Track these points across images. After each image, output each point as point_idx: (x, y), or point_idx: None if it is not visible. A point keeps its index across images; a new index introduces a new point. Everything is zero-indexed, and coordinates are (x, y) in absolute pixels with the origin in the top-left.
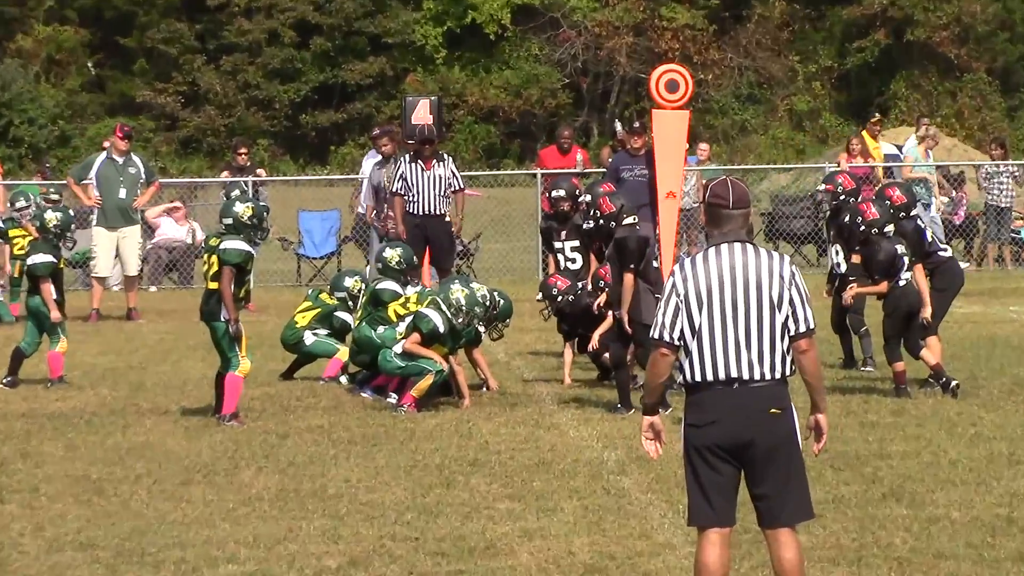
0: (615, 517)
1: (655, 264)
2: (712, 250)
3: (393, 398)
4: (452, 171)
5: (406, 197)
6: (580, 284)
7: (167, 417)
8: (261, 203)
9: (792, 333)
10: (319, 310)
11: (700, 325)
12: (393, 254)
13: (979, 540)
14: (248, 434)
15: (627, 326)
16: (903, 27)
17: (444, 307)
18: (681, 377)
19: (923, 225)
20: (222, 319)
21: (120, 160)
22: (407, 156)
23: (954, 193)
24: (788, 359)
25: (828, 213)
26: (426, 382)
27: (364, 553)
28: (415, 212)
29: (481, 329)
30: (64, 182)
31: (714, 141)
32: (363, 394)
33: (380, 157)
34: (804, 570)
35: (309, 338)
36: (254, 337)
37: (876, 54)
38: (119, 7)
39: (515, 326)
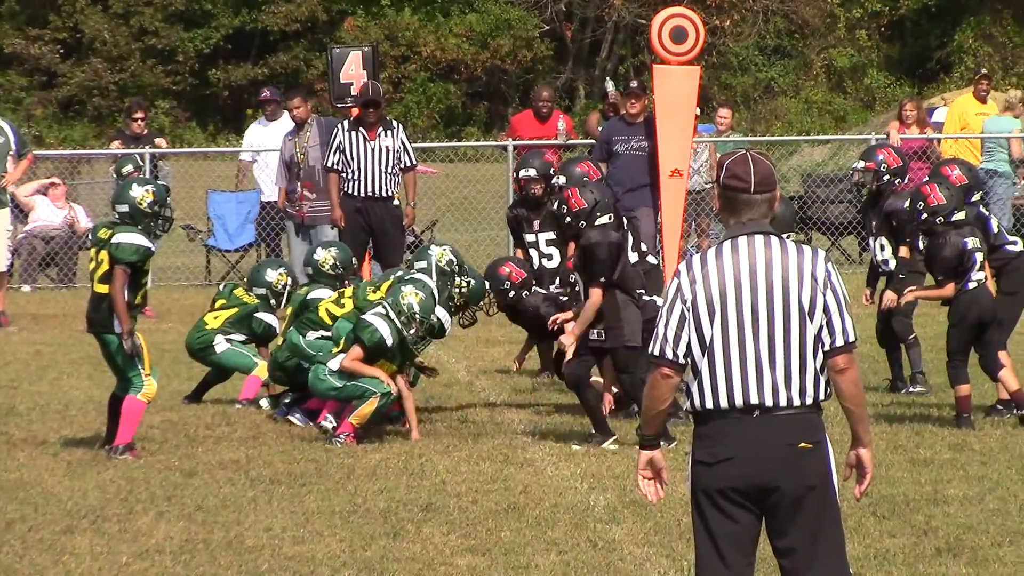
0: (603, 575)
1: (653, 260)
2: (727, 244)
3: (329, 422)
4: (403, 142)
5: (343, 174)
6: (553, 289)
7: (45, 449)
8: (161, 182)
9: (827, 348)
10: (235, 310)
11: (712, 339)
12: (326, 256)
13: None
14: (146, 471)
15: (589, 346)
16: None
17: (392, 314)
18: (688, 403)
19: (987, 213)
20: (115, 331)
21: None
22: (345, 123)
23: None
24: (822, 380)
25: (866, 197)
26: (368, 407)
27: None
28: (355, 193)
29: (445, 321)
30: None
31: (732, 105)
32: (291, 419)
33: (293, 125)
34: None
35: (221, 344)
36: (154, 350)
37: None
38: None
39: (480, 338)
